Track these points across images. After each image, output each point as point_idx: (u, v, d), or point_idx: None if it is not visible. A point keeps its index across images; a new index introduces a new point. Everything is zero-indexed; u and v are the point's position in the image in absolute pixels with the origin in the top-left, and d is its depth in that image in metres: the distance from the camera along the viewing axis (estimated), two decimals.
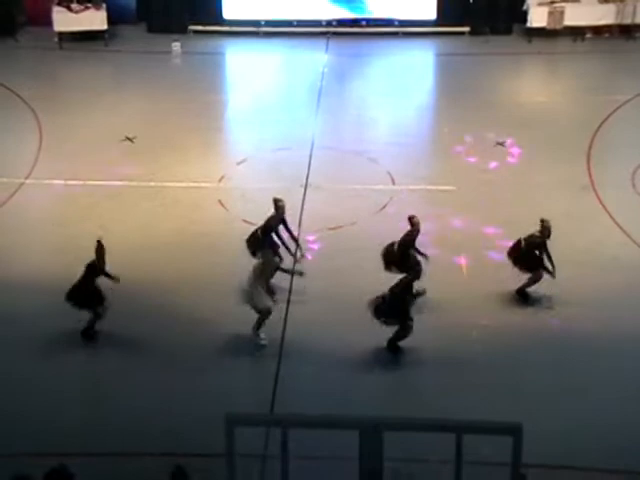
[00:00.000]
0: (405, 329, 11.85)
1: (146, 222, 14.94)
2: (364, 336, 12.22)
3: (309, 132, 18.13)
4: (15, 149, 17.50)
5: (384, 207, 15.33)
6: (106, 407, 11.20)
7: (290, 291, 13.31)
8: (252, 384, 11.77)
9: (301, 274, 12.71)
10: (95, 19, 22.30)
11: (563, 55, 22.38)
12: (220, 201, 15.66)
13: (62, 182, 16.32)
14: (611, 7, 22.43)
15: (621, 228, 14.84)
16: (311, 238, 14.17)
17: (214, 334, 12.45)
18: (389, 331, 12.03)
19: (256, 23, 22.98)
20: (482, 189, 15.93)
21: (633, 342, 12.31)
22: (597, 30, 22.74)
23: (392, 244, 12.85)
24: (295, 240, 13.25)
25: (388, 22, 22.97)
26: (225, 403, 10.51)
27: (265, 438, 9.87)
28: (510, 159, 16.99)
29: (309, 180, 15.65)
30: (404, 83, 21.21)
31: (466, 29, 23.01)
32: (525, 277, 13.00)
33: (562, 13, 22.28)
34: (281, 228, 13.09)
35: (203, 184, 16.25)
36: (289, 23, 22.93)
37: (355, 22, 23.05)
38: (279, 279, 13.20)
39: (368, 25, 23.03)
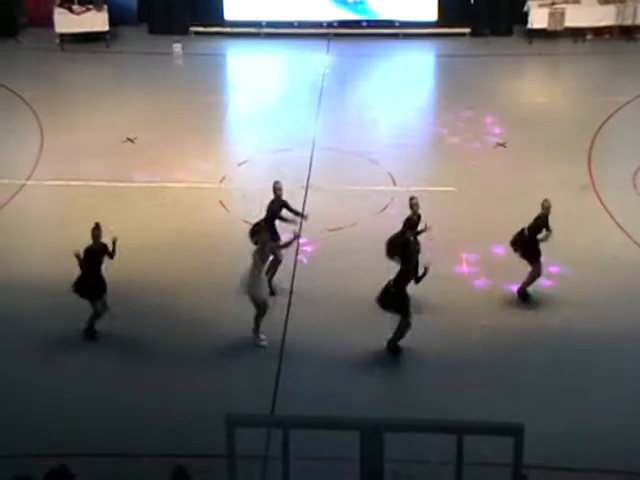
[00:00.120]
0: (404, 326, 11.85)
1: (147, 222, 14.95)
2: (364, 337, 12.24)
3: (310, 133, 18.14)
4: (16, 150, 17.52)
5: (385, 208, 15.33)
6: (106, 408, 11.20)
7: (291, 292, 13.33)
8: (253, 385, 11.77)
9: (305, 217, 13.09)
10: (96, 20, 22.32)
11: (564, 56, 22.39)
12: (221, 202, 15.67)
13: (63, 183, 16.34)
14: (611, 8, 22.44)
15: (622, 228, 14.86)
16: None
17: (214, 334, 12.46)
18: (389, 332, 12.05)
19: (257, 24, 23.00)
20: (483, 190, 15.94)
21: (633, 342, 12.32)
22: (598, 31, 22.75)
23: (397, 233, 12.82)
24: (301, 215, 13.24)
25: (389, 23, 22.98)
26: (225, 404, 10.52)
27: (266, 439, 9.87)
28: (510, 159, 17.00)
29: (310, 181, 15.65)
30: (405, 84, 21.22)
31: (467, 30, 23.03)
32: (525, 276, 13.02)
33: (563, 14, 22.29)
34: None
35: (204, 185, 16.27)
36: (290, 24, 22.94)
37: (356, 23, 23.07)
38: (280, 280, 13.24)
39: (369, 26, 23.04)
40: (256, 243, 12.64)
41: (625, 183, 16.13)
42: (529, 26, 22.54)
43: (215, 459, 8.92)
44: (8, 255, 14.22)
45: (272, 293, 12.91)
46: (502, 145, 17.56)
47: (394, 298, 11.74)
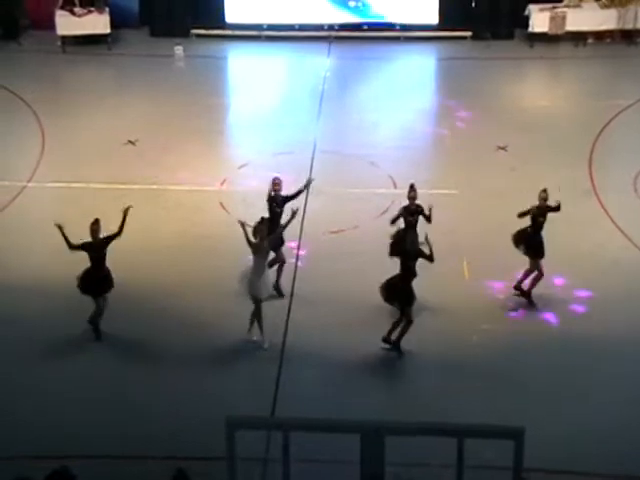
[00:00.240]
0: (407, 325, 11.86)
1: (148, 225, 14.94)
2: (365, 340, 12.24)
3: (311, 136, 18.14)
4: (17, 152, 17.52)
5: (386, 211, 15.31)
6: (107, 409, 11.20)
7: (292, 294, 13.33)
8: (253, 387, 11.76)
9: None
10: (98, 23, 22.31)
11: (565, 60, 22.39)
12: (222, 204, 15.67)
13: (64, 185, 16.34)
14: (613, 12, 22.42)
15: (622, 232, 14.86)
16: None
17: (215, 337, 12.47)
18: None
19: (258, 27, 22.99)
20: (484, 193, 15.94)
21: (634, 346, 12.33)
22: (599, 35, 22.73)
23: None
24: (300, 191, 13.27)
25: (390, 26, 22.97)
26: (226, 406, 10.51)
27: (266, 441, 9.87)
28: (511, 162, 17.00)
29: (311, 184, 15.60)
30: (406, 87, 21.22)
31: (468, 34, 23.01)
32: (524, 276, 13.04)
33: (564, 18, 22.28)
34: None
35: (205, 187, 16.27)
36: (291, 27, 22.92)
37: (357, 26, 23.06)
38: (282, 281, 13.25)
39: (370, 29, 23.02)
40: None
41: (626, 187, 16.13)
42: (530, 30, 22.52)
43: (215, 461, 8.92)
44: (9, 256, 14.24)
45: (280, 295, 13.01)
46: (503, 149, 17.56)
47: (400, 293, 11.76)
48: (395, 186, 16.03)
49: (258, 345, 12.25)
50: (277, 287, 13.13)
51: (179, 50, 22.15)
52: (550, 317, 12.97)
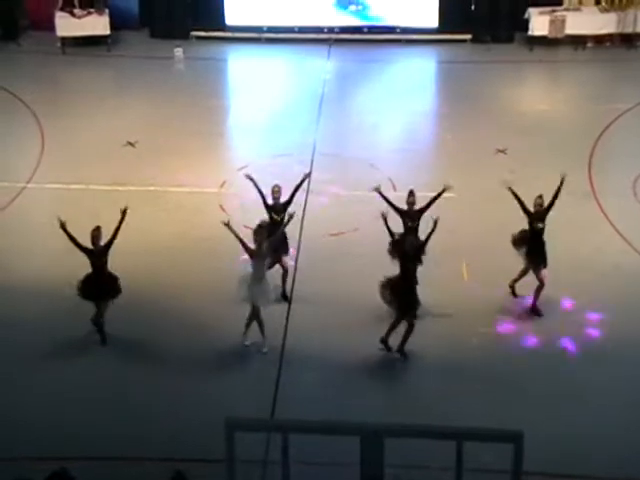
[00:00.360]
0: (409, 326, 11.87)
1: (148, 226, 14.95)
2: (365, 342, 12.24)
3: (311, 138, 18.15)
4: (17, 153, 17.52)
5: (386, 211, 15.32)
6: (106, 411, 11.20)
7: (291, 297, 13.33)
8: (252, 389, 11.76)
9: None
10: (98, 24, 22.31)
11: (564, 63, 22.41)
12: (221, 206, 15.68)
13: (63, 186, 16.34)
14: (612, 16, 22.45)
15: (622, 236, 14.87)
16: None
17: (214, 339, 12.46)
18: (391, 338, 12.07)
19: (258, 29, 23.01)
20: (483, 196, 15.94)
21: (634, 349, 12.33)
22: (598, 39, 22.75)
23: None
24: (297, 188, 13.25)
25: (390, 29, 22.99)
26: (225, 408, 10.47)
27: (265, 443, 9.87)
28: (510, 166, 17.01)
29: (310, 186, 15.64)
30: (406, 90, 21.23)
31: (468, 37, 23.03)
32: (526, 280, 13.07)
33: (563, 22, 22.30)
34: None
35: (205, 189, 16.28)
36: (291, 30, 22.94)
37: (357, 29, 23.08)
38: (278, 285, 13.24)
39: (370, 32, 23.04)
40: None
41: (625, 191, 16.14)
42: (530, 33, 22.55)
43: (214, 463, 8.92)
44: (8, 257, 14.24)
45: (285, 299, 13.14)
46: (502, 152, 17.57)
47: (403, 299, 11.75)
48: (395, 189, 16.01)
49: (257, 348, 12.25)
50: (284, 294, 13.22)
51: (179, 52, 22.17)
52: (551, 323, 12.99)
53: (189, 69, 21.96)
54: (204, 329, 12.60)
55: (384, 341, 12.11)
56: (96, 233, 11.95)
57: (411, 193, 13.17)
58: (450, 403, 11.23)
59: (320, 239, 14.70)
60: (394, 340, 12.15)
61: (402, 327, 12.05)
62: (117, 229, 12.01)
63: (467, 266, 14.03)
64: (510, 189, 12.78)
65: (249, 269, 12.06)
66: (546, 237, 12.90)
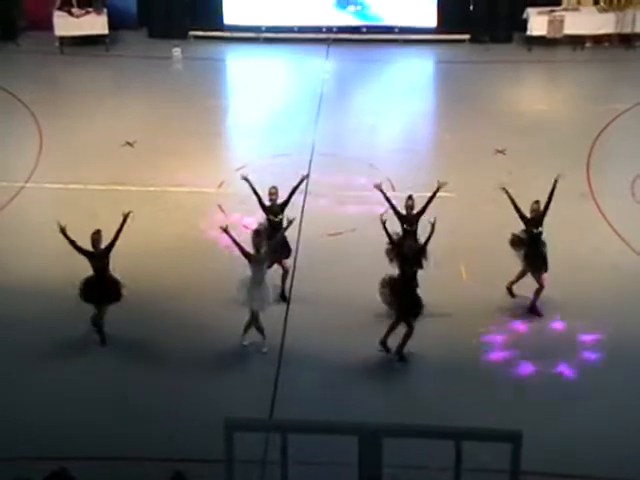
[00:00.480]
0: (408, 329, 11.87)
1: (147, 227, 14.93)
2: (363, 342, 12.25)
3: (309, 138, 18.15)
4: (15, 153, 17.51)
5: (384, 214, 15.32)
6: (106, 411, 11.20)
7: (290, 297, 13.34)
8: (251, 389, 11.76)
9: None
10: (96, 24, 22.31)
11: (563, 64, 22.42)
12: (220, 206, 15.68)
13: (62, 186, 16.34)
14: (611, 16, 22.47)
15: (620, 236, 14.88)
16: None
17: (215, 339, 12.47)
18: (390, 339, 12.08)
19: (257, 29, 23.02)
20: (482, 196, 15.93)
21: (633, 349, 12.34)
22: (597, 39, 22.77)
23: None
24: (295, 189, 13.27)
25: (389, 29, 23.00)
26: (224, 408, 10.50)
27: (264, 444, 9.87)
28: (509, 166, 17.02)
29: (309, 186, 15.65)
30: (404, 90, 21.24)
31: (466, 37, 23.05)
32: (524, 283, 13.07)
33: (562, 22, 22.32)
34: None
35: (203, 189, 16.28)
36: (290, 29, 22.95)
37: (356, 29, 23.09)
38: (277, 285, 13.24)
39: (369, 32, 23.05)
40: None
41: (623, 191, 16.15)
42: (528, 33, 22.57)
43: (214, 464, 8.92)
44: (7, 257, 14.24)
45: (284, 300, 13.13)
46: (501, 152, 17.58)
47: (403, 297, 11.76)
48: (393, 189, 16.02)
49: (257, 348, 12.26)
50: (282, 294, 13.24)
51: (177, 52, 22.17)
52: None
53: (187, 69, 21.96)
54: (204, 329, 12.61)
55: (383, 343, 12.11)
56: (96, 236, 11.95)
57: (410, 197, 13.17)
58: (449, 403, 11.24)
59: (318, 239, 14.71)
60: (393, 341, 12.16)
61: (401, 328, 12.06)
62: (118, 232, 12.01)
63: (466, 266, 14.04)
64: (507, 193, 12.77)
65: (248, 272, 12.04)
66: (545, 238, 12.92)
